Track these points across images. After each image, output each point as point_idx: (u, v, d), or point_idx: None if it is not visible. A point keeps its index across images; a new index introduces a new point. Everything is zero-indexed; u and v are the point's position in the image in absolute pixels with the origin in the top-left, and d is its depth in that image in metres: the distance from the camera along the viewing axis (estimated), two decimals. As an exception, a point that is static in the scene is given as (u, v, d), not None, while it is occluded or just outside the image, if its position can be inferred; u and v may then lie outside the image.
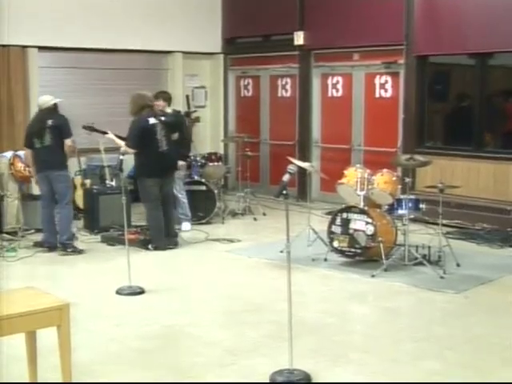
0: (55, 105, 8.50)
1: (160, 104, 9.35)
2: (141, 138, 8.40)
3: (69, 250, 8.38)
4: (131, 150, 8.42)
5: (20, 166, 9.31)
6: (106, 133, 8.73)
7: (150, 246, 8.60)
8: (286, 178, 4.89)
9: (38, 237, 8.87)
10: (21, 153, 9.24)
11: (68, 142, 8.40)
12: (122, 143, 8.64)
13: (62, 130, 8.38)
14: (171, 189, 9.03)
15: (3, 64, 10.69)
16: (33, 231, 9.24)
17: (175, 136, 8.94)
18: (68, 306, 4.15)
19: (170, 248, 8.66)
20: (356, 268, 7.69)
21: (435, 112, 11.08)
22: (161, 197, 8.63)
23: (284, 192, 4.80)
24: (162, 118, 8.65)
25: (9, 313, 3.93)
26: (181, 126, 9.47)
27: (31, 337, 4.34)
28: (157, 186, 8.55)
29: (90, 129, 8.70)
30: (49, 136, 8.35)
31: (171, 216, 8.91)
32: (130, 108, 8.58)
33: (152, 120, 8.50)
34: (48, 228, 8.49)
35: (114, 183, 10.19)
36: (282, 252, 7.64)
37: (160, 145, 8.52)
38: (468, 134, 10.31)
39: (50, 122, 8.35)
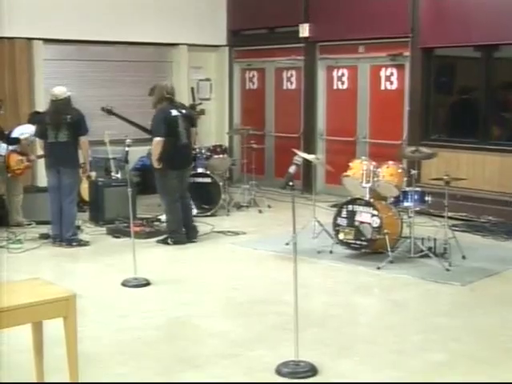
0: (69, 97, 8.39)
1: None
2: (164, 128, 8.36)
3: (74, 244, 8.38)
4: (159, 139, 8.31)
5: (16, 160, 9.11)
6: (132, 122, 8.66)
7: (169, 241, 8.55)
8: (292, 169, 4.90)
9: (40, 229, 8.90)
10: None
11: (83, 139, 8.37)
12: (154, 151, 8.42)
13: (79, 126, 8.31)
14: (188, 182, 8.98)
15: (8, 56, 10.71)
16: (33, 224, 9.24)
17: (195, 130, 8.93)
18: (74, 296, 4.15)
19: (193, 241, 8.65)
20: (362, 260, 7.68)
21: (441, 104, 11.04)
22: (180, 190, 8.62)
23: (290, 183, 4.79)
24: (183, 111, 8.60)
25: (15, 303, 3.93)
26: (195, 120, 9.29)
27: (37, 328, 4.34)
28: (177, 179, 8.51)
29: (112, 113, 8.58)
30: (65, 132, 8.26)
31: (190, 209, 8.92)
32: (153, 100, 8.61)
33: (174, 112, 8.47)
34: (56, 220, 8.44)
35: (119, 175, 10.20)
36: (287, 244, 7.65)
37: (181, 137, 8.48)
38: (473, 126, 10.29)
39: (68, 117, 8.25)
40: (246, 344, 5.33)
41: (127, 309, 6.19)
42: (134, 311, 6.12)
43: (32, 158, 9.39)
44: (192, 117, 8.96)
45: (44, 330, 4.40)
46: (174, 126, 8.42)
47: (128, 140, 7.17)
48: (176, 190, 8.55)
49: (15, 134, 9.34)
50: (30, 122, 9.43)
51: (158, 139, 8.34)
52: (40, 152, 9.02)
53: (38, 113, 9.64)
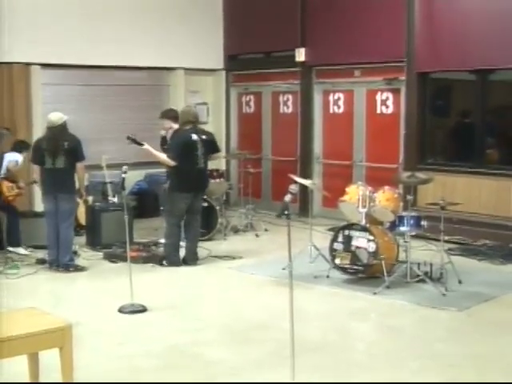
0: (65, 122, 8.40)
1: (166, 126, 9.35)
2: (181, 151, 8.50)
3: (71, 269, 8.38)
4: (172, 163, 8.50)
5: (7, 186, 9.12)
6: (142, 144, 8.76)
7: (164, 262, 8.63)
8: (287, 198, 4.90)
9: (37, 254, 8.89)
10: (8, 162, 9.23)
11: (80, 165, 8.40)
12: (160, 155, 8.71)
13: (76, 152, 8.35)
14: (201, 206, 9.03)
15: (6, 81, 10.75)
16: (30, 249, 9.20)
17: (219, 154, 9.34)
18: (70, 326, 4.15)
19: (193, 264, 8.69)
20: (358, 285, 7.68)
21: (436, 128, 11.10)
22: (190, 213, 8.69)
23: (286, 212, 4.81)
24: (203, 137, 8.73)
25: (11, 334, 3.93)
26: (217, 145, 9.30)
27: (33, 358, 4.34)
28: (186, 203, 8.59)
29: (134, 141, 8.69)
30: (62, 158, 8.28)
31: (197, 233, 8.95)
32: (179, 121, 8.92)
33: (194, 136, 8.61)
34: (53, 245, 8.42)
35: (116, 200, 10.19)
36: (284, 269, 7.63)
37: (199, 162, 8.62)
38: (469, 150, 10.32)
39: (65, 144, 8.27)
40: (244, 372, 5.32)
41: (124, 336, 6.17)
42: (131, 338, 6.11)
43: (21, 185, 9.37)
44: (214, 143, 9.06)
45: (40, 358, 4.40)
46: (192, 149, 8.57)
47: (124, 167, 7.18)
48: (182, 214, 8.64)
49: (4, 162, 9.32)
50: (15, 150, 9.49)
51: (170, 162, 8.52)
52: (33, 178, 9.04)
53: (22, 142, 9.77)
